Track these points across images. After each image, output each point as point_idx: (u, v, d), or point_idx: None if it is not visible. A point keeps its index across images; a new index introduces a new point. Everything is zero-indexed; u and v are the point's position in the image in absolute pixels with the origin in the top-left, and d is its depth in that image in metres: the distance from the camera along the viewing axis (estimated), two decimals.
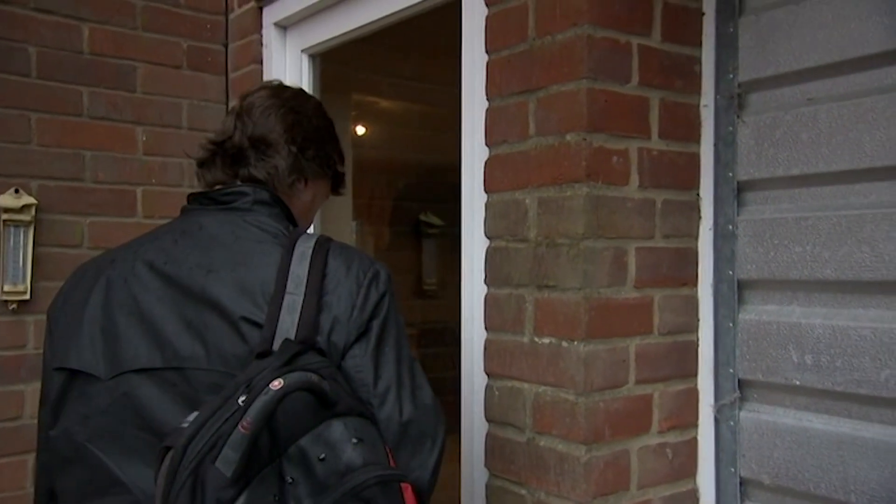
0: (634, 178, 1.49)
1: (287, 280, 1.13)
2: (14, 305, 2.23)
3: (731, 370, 1.52)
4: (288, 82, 2.42)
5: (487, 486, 1.61)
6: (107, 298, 1.18)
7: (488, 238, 1.62)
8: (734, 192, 1.52)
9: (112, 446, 1.13)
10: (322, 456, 1.02)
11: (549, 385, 1.47)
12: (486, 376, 1.62)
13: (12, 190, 2.21)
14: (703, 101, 1.58)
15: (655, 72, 1.51)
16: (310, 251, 1.17)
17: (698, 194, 1.58)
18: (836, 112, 1.37)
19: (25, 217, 2.23)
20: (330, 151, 1.41)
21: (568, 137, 1.44)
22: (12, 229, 2.22)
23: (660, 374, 1.53)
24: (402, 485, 1.07)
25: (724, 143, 1.54)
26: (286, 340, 1.08)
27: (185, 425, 0.99)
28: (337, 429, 1.04)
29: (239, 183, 1.28)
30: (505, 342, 1.57)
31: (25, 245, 2.24)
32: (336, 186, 1.47)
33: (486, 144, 1.62)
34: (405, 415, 1.15)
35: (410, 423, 1.15)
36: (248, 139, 1.29)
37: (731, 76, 1.53)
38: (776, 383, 1.46)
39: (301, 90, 1.44)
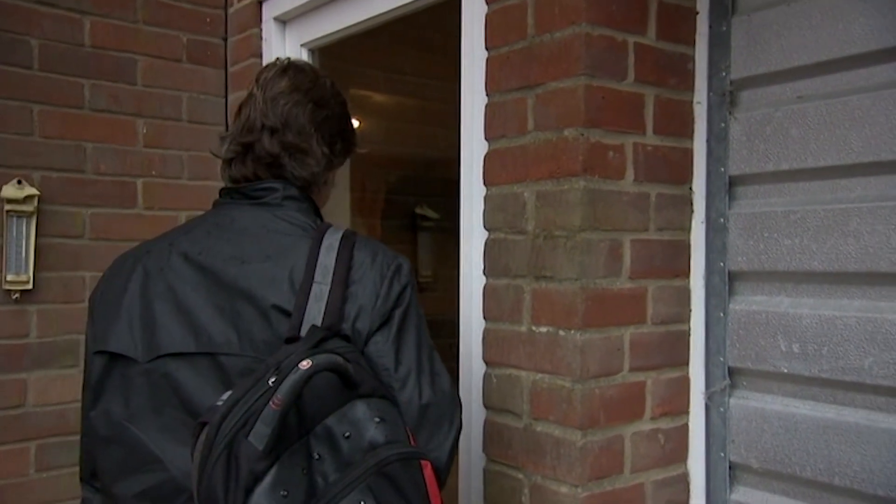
0: (630, 173, 1.54)
1: (315, 270, 1.20)
2: (17, 295, 2.26)
3: (722, 358, 1.58)
4: None
5: (485, 471, 1.66)
6: (144, 287, 1.25)
7: (487, 230, 1.67)
8: (726, 187, 1.58)
9: (150, 425, 1.20)
10: (347, 434, 1.09)
11: (546, 372, 1.52)
12: (484, 364, 1.67)
13: (15, 181, 2.24)
14: (696, 98, 1.63)
15: (650, 69, 1.56)
16: (337, 243, 1.23)
17: (691, 188, 1.63)
18: (825, 109, 1.42)
19: (28, 208, 2.25)
20: (351, 137, 1.45)
21: (566, 132, 1.49)
22: (15, 220, 2.25)
23: (653, 362, 1.58)
24: (422, 462, 1.13)
25: (717, 139, 1.59)
26: (313, 326, 1.15)
27: (220, 404, 1.05)
28: (361, 409, 1.11)
29: (270, 179, 1.32)
30: (503, 331, 1.62)
31: (28, 235, 2.27)
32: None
33: (486, 139, 1.67)
34: (424, 398, 1.21)
35: (429, 406, 1.22)
36: (280, 145, 1.32)
37: (724, 74, 1.57)
38: (765, 371, 1.51)
39: (316, 72, 1.43)
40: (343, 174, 2.61)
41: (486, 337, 1.67)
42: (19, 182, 2.24)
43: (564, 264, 1.49)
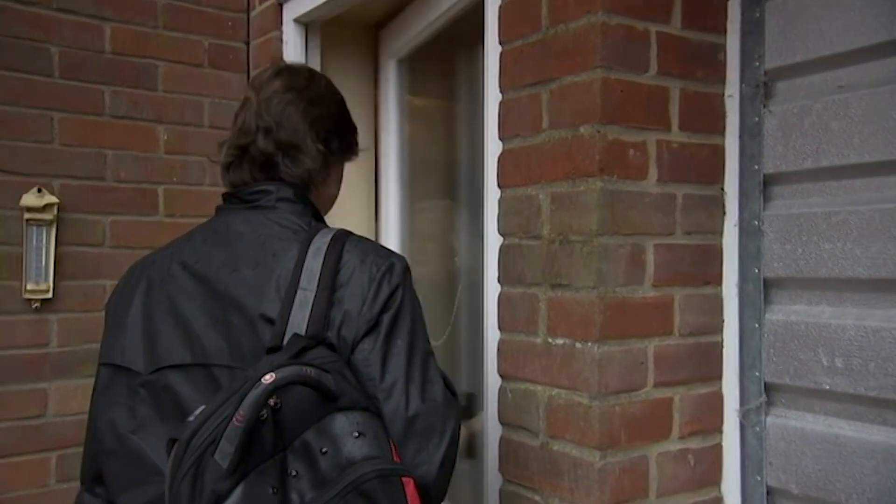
0: (653, 172, 1.42)
1: (301, 276, 1.16)
2: (37, 304, 2.24)
3: (757, 373, 1.45)
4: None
5: (501, 492, 1.56)
6: (146, 297, 1.24)
7: (501, 235, 1.57)
8: (760, 186, 1.45)
9: (154, 437, 1.16)
10: (324, 450, 1.04)
11: (562, 388, 1.42)
12: (499, 378, 1.57)
13: (35, 189, 2.22)
14: (727, 91, 1.51)
15: (675, 60, 1.44)
16: (325, 246, 1.18)
17: (722, 189, 1.51)
18: (870, 99, 1.29)
19: (48, 216, 2.24)
20: (350, 135, 1.42)
21: (581, 130, 1.38)
22: (35, 228, 2.23)
23: (681, 376, 1.46)
24: (404, 479, 1.06)
25: (750, 135, 1.46)
26: (295, 335, 1.11)
27: (192, 419, 1.01)
28: (339, 422, 1.06)
29: (264, 181, 1.29)
30: (518, 343, 1.52)
31: (48, 244, 2.25)
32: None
33: (500, 138, 1.57)
34: (411, 409, 1.14)
35: (417, 417, 1.14)
36: (274, 144, 1.29)
37: (758, 64, 1.45)
38: (805, 387, 1.38)
39: (311, 72, 1.42)
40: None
41: (501, 348, 1.57)
42: (39, 190, 2.23)
43: (581, 271, 1.38)
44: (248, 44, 2.63)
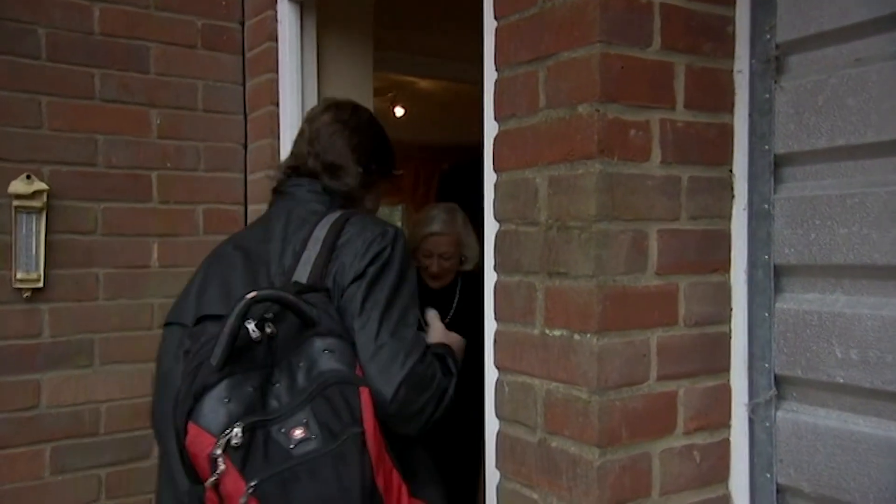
0: (656, 153, 1.34)
1: (308, 241, 1.47)
2: (28, 293, 2.20)
3: (767, 365, 1.37)
4: (304, 60, 2.33)
5: (499, 489, 1.50)
6: (207, 269, 1.55)
7: (497, 221, 1.50)
8: (770, 167, 1.36)
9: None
10: (301, 364, 1.29)
11: (560, 381, 1.35)
12: (496, 370, 1.50)
13: (23, 176, 2.17)
14: (736, 66, 1.42)
15: (681, 34, 1.36)
16: (332, 220, 1.49)
17: (731, 170, 1.43)
18: (889, 73, 1.20)
19: (37, 203, 2.18)
20: (387, 160, 1.72)
21: (580, 109, 1.30)
22: (24, 216, 2.18)
23: (686, 369, 1.38)
24: (361, 388, 1.28)
25: (760, 113, 1.38)
26: (294, 282, 1.41)
27: (205, 338, 1.30)
28: (316, 344, 1.31)
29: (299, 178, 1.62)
30: (515, 334, 1.45)
31: (38, 232, 2.20)
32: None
33: (495, 119, 1.49)
34: (380, 340, 1.36)
35: (383, 346, 1.35)
36: (321, 164, 1.60)
37: (769, 37, 1.36)
38: (817, 380, 1.30)
39: (355, 107, 1.72)
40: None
41: (498, 340, 1.50)
42: (28, 177, 2.17)
43: (579, 259, 1.30)
44: (242, 23, 2.55)
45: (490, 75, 1.51)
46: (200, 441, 1.21)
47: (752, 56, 1.39)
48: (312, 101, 2.38)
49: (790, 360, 1.34)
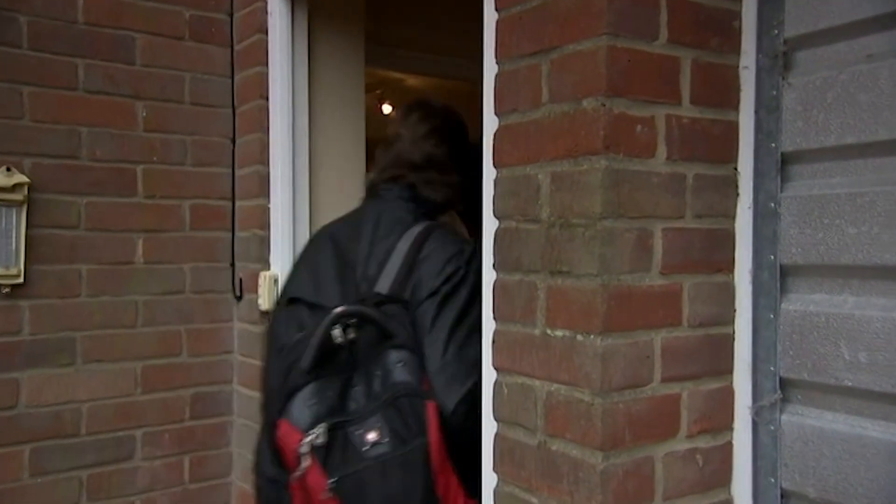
0: (662, 150, 1.31)
1: (392, 254, 1.61)
2: (7, 289, 2.13)
3: (772, 367, 1.34)
4: (295, 53, 2.28)
5: (496, 493, 1.46)
6: (305, 254, 1.78)
7: (497, 218, 1.46)
8: (777, 165, 1.33)
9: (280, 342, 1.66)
10: (377, 373, 1.48)
11: (562, 383, 1.31)
12: (494, 371, 1.46)
13: (4, 168, 2.11)
14: (742, 62, 1.39)
15: (687, 28, 1.32)
16: (415, 234, 1.63)
17: (736, 168, 1.39)
18: None
19: (17, 196, 2.12)
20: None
21: (584, 104, 1.26)
22: (4, 210, 2.12)
23: (689, 371, 1.35)
24: (428, 402, 1.45)
25: (767, 110, 1.35)
26: (376, 293, 1.58)
27: (298, 336, 1.56)
28: (392, 355, 1.49)
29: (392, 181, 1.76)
30: (514, 334, 1.41)
31: (18, 226, 2.13)
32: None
33: (496, 113, 1.45)
34: (446, 358, 1.50)
35: (448, 364, 1.50)
36: (422, 180, 1.75)
37: (776, 32, 1.33)
38: (824, 384, 1.27)
39: (447, 111, 1.85)
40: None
41: (497, 340, 1.46)
42: (8, 169, 2.11)
43: (583, 257, 1.27)
44: (231, 15, 2.50)
45: (490, 69, 1.47)
46: (290, 437, 1.42)
47: (758, 52, 1.36)
48: (303, 95, 2.33)
49: (796, 362, 1.31)
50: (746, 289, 1.39)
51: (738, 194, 1.40)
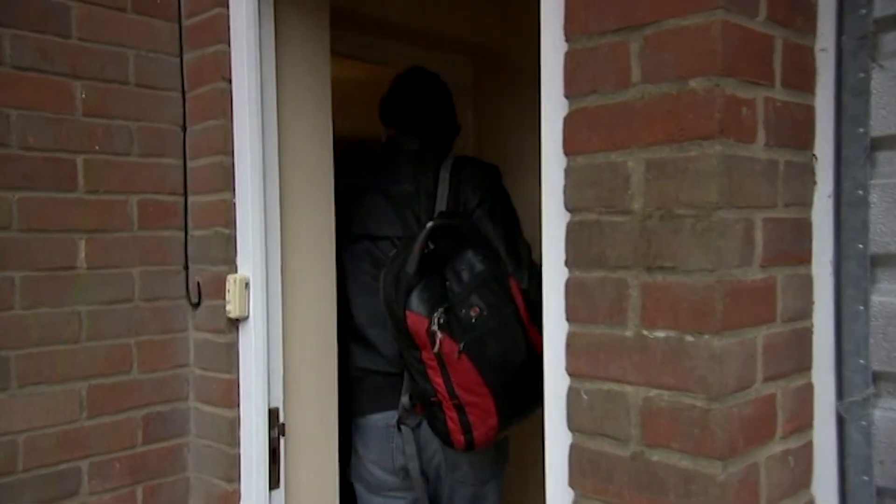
0: (761, 135, 1.23)
1: (438, 181, 2.25)
2: None
3: (862, 361, 1.30)
4: (262, 31, 2.05)
5: None
6: (349, 203, 2.31)
7: (570, 211, 1.33)
8: (866, 152, 1.29)
9: (363, 273, 2.34)
10: (463, 268, 2.06)
11: (665, 388, 1.20)
12: (568, 377, 1.34)
13: None
14: (818, 44, 1.34)
15: (781, 5, 1.25)
16: (450, 164, 2.27)
17: (814, 155, 1.34)
18: None
19: None
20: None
21: (692, 84, 1.16)
22: None
23: (783, 369, 1.29)
24: (510, 279, 2.11)
25: (853, 93, 1.30)
26: (440, 212, 2.20)
27: (392, 254, 2.15)
28: (470, 253, 2.08)
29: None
30: (597, 336, 1.29)
31: None
32: None
33: (566, 96, 1.32)
34: (514, 250, 2.18)
35: (512, 253, 2.16)
36: (434, 122, 2.46)
37: (864, 12, 1.28)
38: None
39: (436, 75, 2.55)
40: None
41: (572, 343, 1.33)
42: None
43: (693, 251, 1.16)
44: None
45: (554, 47, 1.34)
46: (419, 322, 1.99)
47: (840, 33, 1.31)
48: (271, 79, 2.09)
49: (889, 355, 1.27)
50: (826, 280, 1.34)
51: (815, 182, 1.35)
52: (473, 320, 1.97)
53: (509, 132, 3.27)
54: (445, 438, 2.11)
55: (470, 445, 2.07)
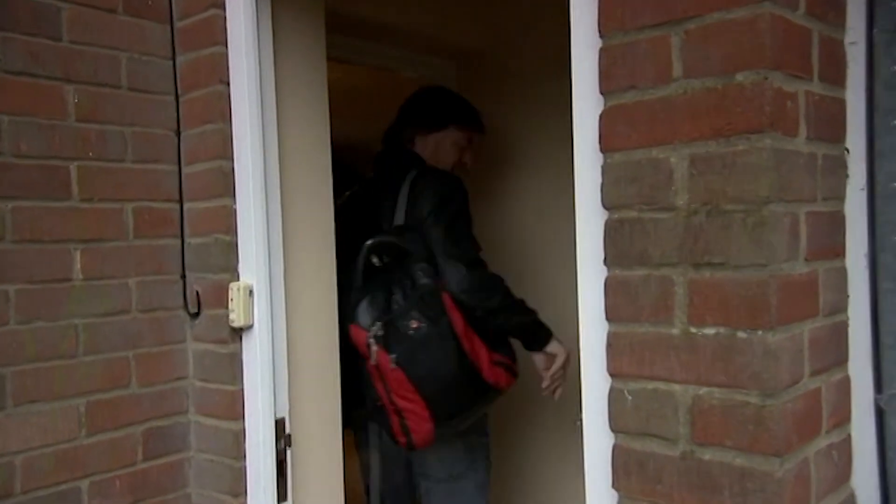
0: (803, 129, 1.22)
1: (398, 195, 2.37)
2: None
3: None
4: (261, 31, 2.00)
5: None
6: (353, 217, 2.50)
7: (608, 208, 1.31)
8: None
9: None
10: (407, 282, 2.19)
11: (716, 386, 1.19)
12: (609, 378, 1.32)
13: None
14: (848, 38, 1.34)
15: None
16: (411, 178, 2.38)
17: (846, 148, 1.35)
18: None
19: None
20: (440, 110, 2.65)
21: (739, 77, 1.15)
22: None
23: (825, 362, 1.29)
24: (443, 294, 2.19)
25: (886, 87, 1.31)
26: (396, 225, 2.34)
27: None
28: (414, 267, 2.20)
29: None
30: (641, 335, 1.27)
31: None
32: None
33: (602, 92, 1.31)
34: (445, 255, 2.23)
35: (448, 259, 2.22)
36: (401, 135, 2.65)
37: None
38: None
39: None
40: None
41: (613, 343, 1.31)
42: None
43: (745, 247, 1.15)
44: None
45: (587, 43, 1.32)
46: (359, 335, 2.18)
47: (871, 26, 1.32)
48: (270, 82, 2.04)
49: None
50: (861, 273, 1.35)
51: (847, 175, 1.35)
52: (411, 332, 2.12)
53: (493, 133, 3.25)
54: (392, 439, 2.30)
55: (410, 446, 2.26)
